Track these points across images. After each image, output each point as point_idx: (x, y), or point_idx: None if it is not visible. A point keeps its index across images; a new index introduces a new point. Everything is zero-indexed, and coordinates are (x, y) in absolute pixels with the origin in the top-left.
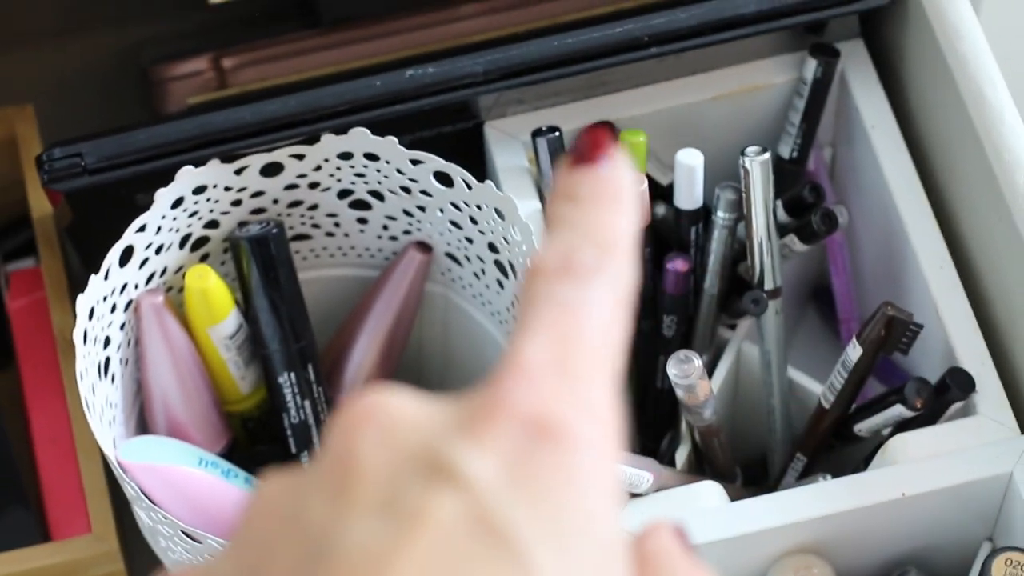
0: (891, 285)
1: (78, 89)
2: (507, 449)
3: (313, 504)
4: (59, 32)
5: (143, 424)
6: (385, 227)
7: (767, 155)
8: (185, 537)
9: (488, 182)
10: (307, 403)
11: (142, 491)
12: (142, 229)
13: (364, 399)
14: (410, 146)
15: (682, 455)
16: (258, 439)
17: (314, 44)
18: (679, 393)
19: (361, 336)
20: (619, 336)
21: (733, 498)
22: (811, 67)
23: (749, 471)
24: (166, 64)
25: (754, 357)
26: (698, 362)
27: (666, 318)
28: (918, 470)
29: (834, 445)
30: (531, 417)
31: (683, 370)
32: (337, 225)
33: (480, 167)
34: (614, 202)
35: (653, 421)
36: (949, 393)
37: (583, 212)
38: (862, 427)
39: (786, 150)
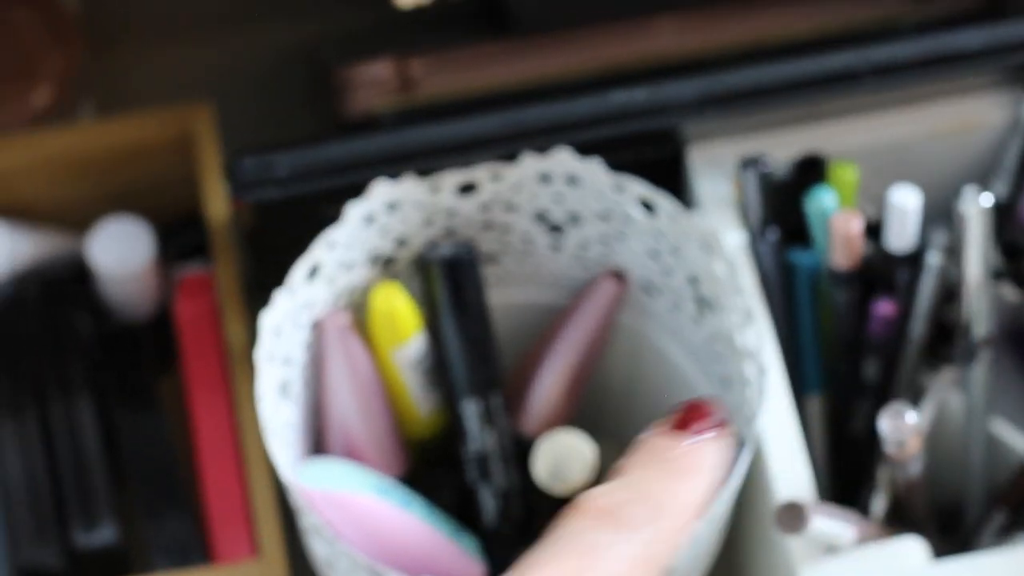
0: None
1: (248, 82)
2: None
3: None
4: (231, 24)
5: (318, 443)
6: (579, 254)
7: (987, 200)
8: (369, 573)
9: (694, 212)
10: (488, 432)
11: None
12: (330, 245)
13: None
14: (608, 169)
15: (879, 505)
16: (434, 464)
17: (503, 52)
18: (889, 448)
19: (547, 366)
20: None
21: (931, 550)
22: None
23: (941, 519)
24: (351, 66)
25: (957, 405)
26: (913, 419)
27: (868, 361)
28: None
29: None
30: None
31: (896, 427)
32: (530, 249)
33: (679, 193)
34: (689, 475)
35: (846, 467)
36: None
37: (655, 474)
38: None
39: (998, 192)
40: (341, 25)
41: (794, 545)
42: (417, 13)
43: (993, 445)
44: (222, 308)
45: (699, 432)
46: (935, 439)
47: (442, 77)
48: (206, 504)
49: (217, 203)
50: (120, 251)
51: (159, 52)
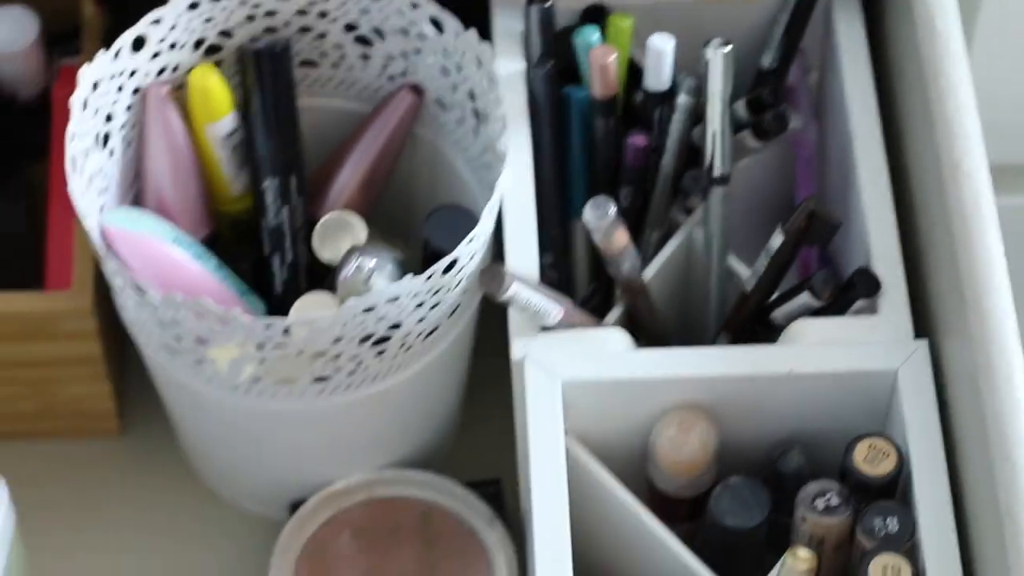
0: (841, 199)
1: None
2: None
3: None
4: None
5: (135, 204)
6: (385, 66)
7: (728, 48)
8: (135, 290)
9: (472, 30)
10: (285, 210)
11: (116, 254)
12: (157, 22)
13: None
14: None
15: (614, 316)
16: (242, 242)
17: None
18: (596, 239)
19: (347, 163)
20: None
21: None
22: None
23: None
24: None
25: (701, 242)
26: (613, 209)
27: (623, 190)
28: (809, 352)
29: (757, 331)
30: None
31: (597, 214)
32: (342, 57)
33: (485, 31)
34: None
35: (604, 287)
36: (855, 290)
37: None
38: (777, 315)
39: (767, 60)
40: None
41: (513, 320)
42: None
43: (731, 279)
44: None
45: None
46: (688, 276)
47: None
48: (47, 265)
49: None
50: (4, 31)
51: None
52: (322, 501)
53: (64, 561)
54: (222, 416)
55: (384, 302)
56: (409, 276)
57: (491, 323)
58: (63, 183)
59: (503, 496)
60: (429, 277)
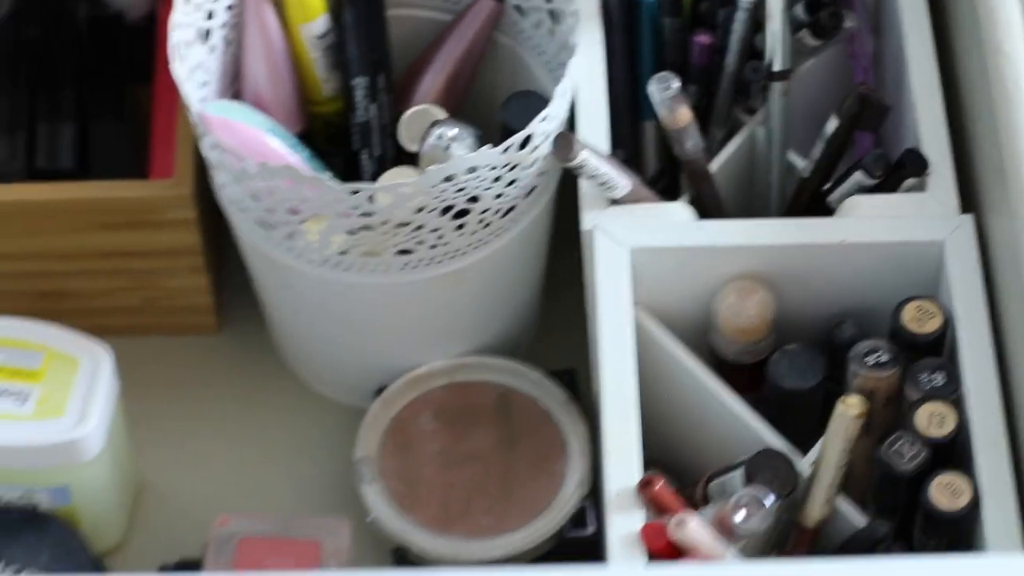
0: (895, 96)
1: None
2: None
3: None
4: None
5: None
6: None
7: None
8: (232, 161)
9: None
10: (373, 107)
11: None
12: None
13: None
14: None
15: (685, 198)
16: (333, 143)
17: None
18: (661, 113)
19: (430, 70)
20: None
21: None
22: None
23: None
24: None
25: (763, 139)
26: (677, 83)
27: (689, 88)
28: (861, 224)
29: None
30: None
31: (662, 87)
32: None
33: None
34: None
35: (672, 182)
36: (905, 169)
37: None
38: (833, 197)
39: None
40: None
41: (584, 193)
42: None
43: (792, 175)
44: None
45: None
46: (748, 170)
47: None
48: (151, 159)
49: None
50: None
51: None
52: (406, 384)
53: (161, 452)
54: (312, 294)
55: (463, 171)
56: (487, 146)
57: (572, 231)
58: (168, 92)
59: (577, 385)
60: (505, 150)
